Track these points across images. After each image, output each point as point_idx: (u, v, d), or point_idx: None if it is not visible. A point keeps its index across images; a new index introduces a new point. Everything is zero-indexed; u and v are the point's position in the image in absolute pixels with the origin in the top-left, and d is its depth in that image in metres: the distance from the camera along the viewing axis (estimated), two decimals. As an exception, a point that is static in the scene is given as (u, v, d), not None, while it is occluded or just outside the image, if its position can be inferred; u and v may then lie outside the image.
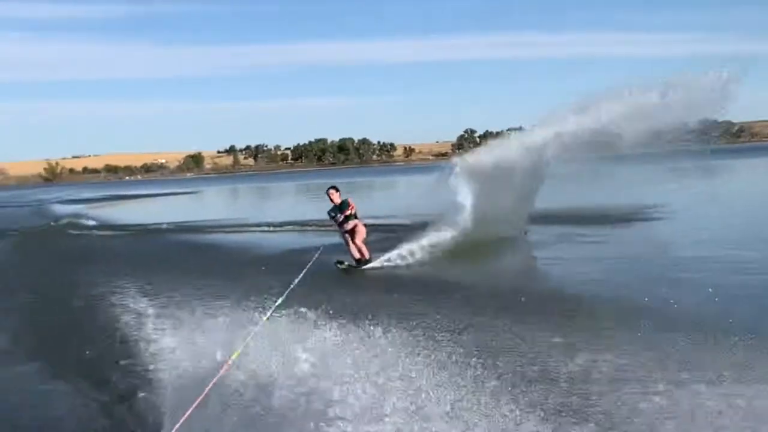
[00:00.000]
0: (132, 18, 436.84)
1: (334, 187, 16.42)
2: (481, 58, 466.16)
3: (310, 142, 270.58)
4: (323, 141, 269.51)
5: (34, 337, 11.09)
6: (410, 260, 15.77)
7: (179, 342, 8.66)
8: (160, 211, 45.58)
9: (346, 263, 15.79)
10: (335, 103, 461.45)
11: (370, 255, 15.75)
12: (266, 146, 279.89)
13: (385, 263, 15.72)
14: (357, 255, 15.66)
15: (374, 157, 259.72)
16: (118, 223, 36.22)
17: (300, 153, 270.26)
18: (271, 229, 25.84)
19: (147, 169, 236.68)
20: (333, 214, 15.97)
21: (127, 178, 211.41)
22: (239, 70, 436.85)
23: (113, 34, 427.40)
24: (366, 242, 15.87)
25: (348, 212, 15.71)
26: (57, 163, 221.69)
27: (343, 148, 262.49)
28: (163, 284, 13.73)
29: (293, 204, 49.99)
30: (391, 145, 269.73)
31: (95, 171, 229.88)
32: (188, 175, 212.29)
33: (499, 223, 17.65)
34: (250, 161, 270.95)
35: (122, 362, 8.89)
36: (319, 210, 21.44)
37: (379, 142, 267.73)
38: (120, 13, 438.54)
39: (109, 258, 20.00)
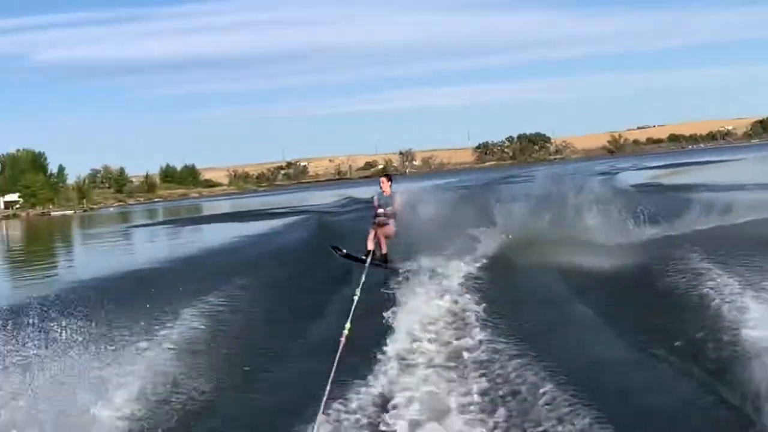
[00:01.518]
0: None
1: (387, 176, 16.26)
2: None
3: None
4: None
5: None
6: None
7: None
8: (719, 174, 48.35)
9: (345, 251, 15.19)
10: None
11: (387, 255, 15.07)
12: None
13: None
14: (371, 246, 14.89)
15: None
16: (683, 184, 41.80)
17: None
18: None
19: (712, 137, 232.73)
20: (376, 203, 15.48)
21: (690, 147, 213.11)
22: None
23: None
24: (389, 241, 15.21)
25: (389, 209, 15.25)
26: (620, 135, 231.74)
27: None
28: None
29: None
30: None
31: (658, 141, 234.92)
32: (753, 141, 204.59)
33: None
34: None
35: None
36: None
37: None
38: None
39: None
